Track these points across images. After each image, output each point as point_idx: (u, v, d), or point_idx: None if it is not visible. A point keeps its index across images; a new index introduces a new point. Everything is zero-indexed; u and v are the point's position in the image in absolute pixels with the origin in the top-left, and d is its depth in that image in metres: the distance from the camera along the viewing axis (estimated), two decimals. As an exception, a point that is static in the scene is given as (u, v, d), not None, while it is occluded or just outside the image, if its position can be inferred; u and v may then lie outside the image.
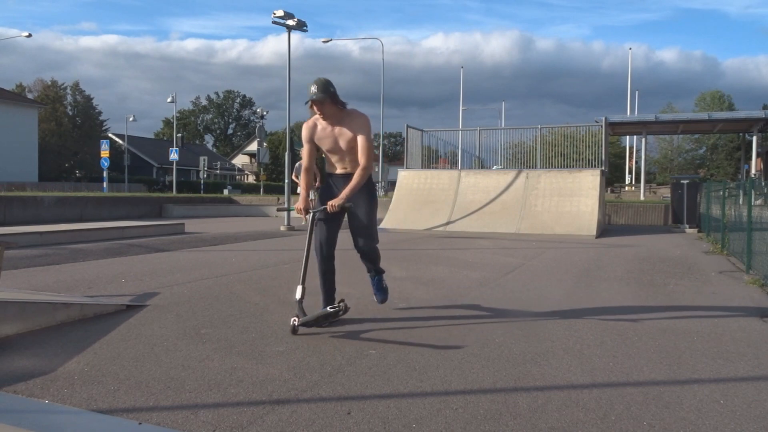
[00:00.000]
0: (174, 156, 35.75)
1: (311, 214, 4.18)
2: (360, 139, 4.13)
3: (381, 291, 4.56)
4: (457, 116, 45.38)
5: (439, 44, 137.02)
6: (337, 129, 4.17)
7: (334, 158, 4.30)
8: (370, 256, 4.38)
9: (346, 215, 4.20)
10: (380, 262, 4.50)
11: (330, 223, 4.19)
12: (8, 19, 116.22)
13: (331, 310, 3.95)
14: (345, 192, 4.07)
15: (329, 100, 4.07)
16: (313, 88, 4.03)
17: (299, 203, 4.21)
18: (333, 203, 4.00)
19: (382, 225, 13.64)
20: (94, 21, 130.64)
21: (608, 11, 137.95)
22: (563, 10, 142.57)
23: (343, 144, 4.19)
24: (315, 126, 4.23)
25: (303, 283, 4.02)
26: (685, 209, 15.71)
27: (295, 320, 3.95)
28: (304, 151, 4.32)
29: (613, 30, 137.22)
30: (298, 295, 4.01)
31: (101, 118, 56.24)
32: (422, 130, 16.54)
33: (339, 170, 4.33)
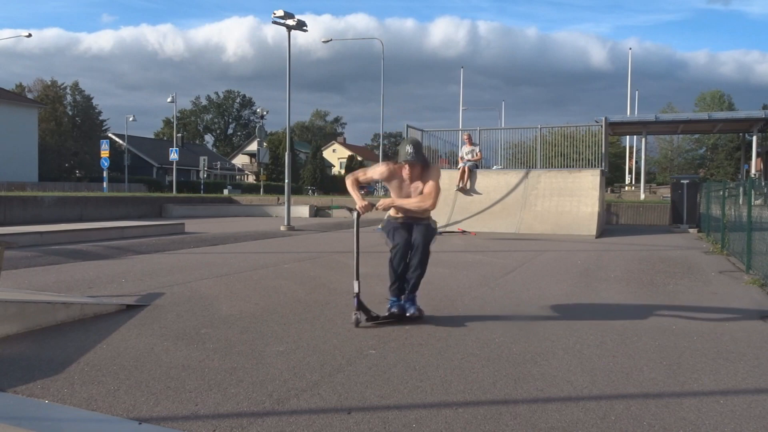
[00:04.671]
0: (174, 156, 35.76)
1: (355, 212, 4.38)
2: (429, 185, 4.32)
3: (413, 305, 4.39)
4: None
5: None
6: (414, 184, 4.37)
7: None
8: (416, 273, 4.31)
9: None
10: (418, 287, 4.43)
11: (405, 234, 4.40)
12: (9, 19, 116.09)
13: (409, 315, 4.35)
14: (398, 200, 4.35)
15: (421, 164, 4.27)
16: (409, 149, 4.24)
17: (361, 202, 4.32)
18: (381, 203, 4.38)
19: (380, 225, 13.61)
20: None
21: (624, 12, 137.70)
22: (577, 10, 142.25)
23: (413, 194, 4.38)
24: (398, 173, 4.36)
25: (358, 278, 4.20)
26: (685, 209, 15.73)
27: (357, 314, 4.17)
28: (367, 175, 4.52)
29: (633, 30, 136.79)
30: (356, 289, 4.18)
31: (101, 117, 56.35)
32: (422, 130, 16.53)
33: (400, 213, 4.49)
